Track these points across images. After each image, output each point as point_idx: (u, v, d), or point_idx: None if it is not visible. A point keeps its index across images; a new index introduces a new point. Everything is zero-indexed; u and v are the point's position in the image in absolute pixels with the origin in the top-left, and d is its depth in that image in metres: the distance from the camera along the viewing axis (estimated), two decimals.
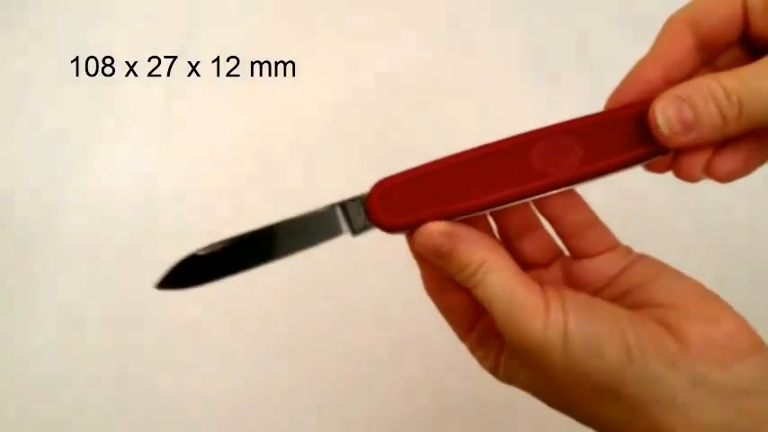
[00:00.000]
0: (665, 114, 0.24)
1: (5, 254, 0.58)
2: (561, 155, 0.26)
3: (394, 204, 0.27)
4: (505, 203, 0.27)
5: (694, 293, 0.26)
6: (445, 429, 0.53)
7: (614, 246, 0.29)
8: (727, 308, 0.26)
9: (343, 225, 0.28)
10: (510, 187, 0.27)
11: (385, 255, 0.48)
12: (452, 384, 0.54)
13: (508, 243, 0.30)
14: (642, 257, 0.28)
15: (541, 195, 0.27)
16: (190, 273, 0.27)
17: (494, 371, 0.29)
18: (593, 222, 0.29)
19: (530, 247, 0.30)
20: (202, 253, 0.27)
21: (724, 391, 0.23)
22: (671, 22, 0.26)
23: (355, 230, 0.28)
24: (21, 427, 0.54)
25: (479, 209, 0.27)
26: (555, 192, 0.27)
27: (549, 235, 0.30)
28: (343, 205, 0.28)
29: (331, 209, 0.28)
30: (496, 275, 0.26)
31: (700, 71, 0.27)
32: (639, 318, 0.25)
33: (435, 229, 0.26)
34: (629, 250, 0.29)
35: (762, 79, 0.23)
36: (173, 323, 0.56)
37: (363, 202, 0.28)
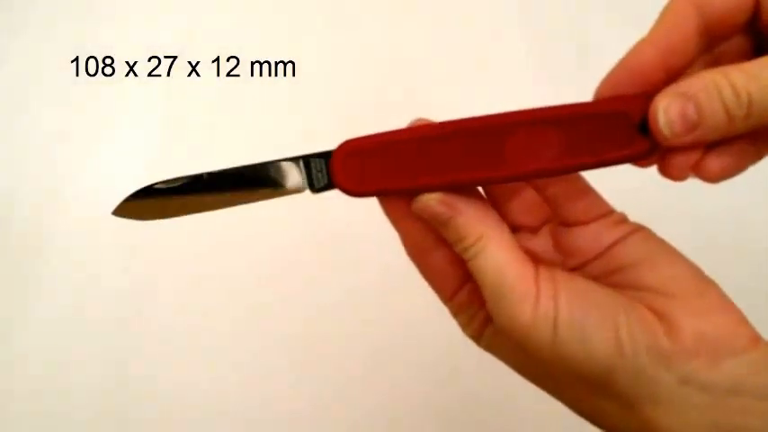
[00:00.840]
0: (667, 114, 0.23)
1: (5, 254, 0.58)
2: (539, 145, 0.25)
3: (358, 169, 0.25)
4: (476, 185, 0.26)
5: (690, 281, 0.25)
6: (446, 429, 0.53)
7: (606, 213, 0.27)
8: (723, 299, 0.25)
9: (305, 182, 0.27)
10: (481, 171, 0.25)
11: (385, 252, 0.48)
12: (452, 384, 0.53)
13: (494, 204, 0.28)
14: (638, 230, 0.27)
15: (514, 182, 0.26)
16: (147, 204, 0.27)
17: (476, 339, 0.28)
18: (581, 189, 0.27)
19: (518, 208, 0.28)
20: (161, 186, 0.27)
21: (713, 389, 0.23)
22: (676, 1, 0.25)
23: (316, 189, 0.26)
24: (21, 427, 0.54)
25: (446, 187, 0.25)
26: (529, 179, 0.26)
27: (537, 197, 0.28)
28: (307, 161, 0.27)
29: (293, 162, 0.27)
30: (490, 253, 0.25)
31: (699, 60, 0.25)
32: (633, 307, 0.24)
33: (433, 197, 0.25)
34: (622, 219, 0.27)
35: None
36: (173, 323, 0.56)
37: (327, 160, 0.26)
